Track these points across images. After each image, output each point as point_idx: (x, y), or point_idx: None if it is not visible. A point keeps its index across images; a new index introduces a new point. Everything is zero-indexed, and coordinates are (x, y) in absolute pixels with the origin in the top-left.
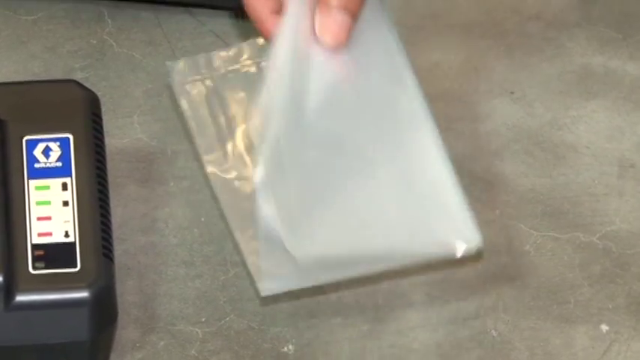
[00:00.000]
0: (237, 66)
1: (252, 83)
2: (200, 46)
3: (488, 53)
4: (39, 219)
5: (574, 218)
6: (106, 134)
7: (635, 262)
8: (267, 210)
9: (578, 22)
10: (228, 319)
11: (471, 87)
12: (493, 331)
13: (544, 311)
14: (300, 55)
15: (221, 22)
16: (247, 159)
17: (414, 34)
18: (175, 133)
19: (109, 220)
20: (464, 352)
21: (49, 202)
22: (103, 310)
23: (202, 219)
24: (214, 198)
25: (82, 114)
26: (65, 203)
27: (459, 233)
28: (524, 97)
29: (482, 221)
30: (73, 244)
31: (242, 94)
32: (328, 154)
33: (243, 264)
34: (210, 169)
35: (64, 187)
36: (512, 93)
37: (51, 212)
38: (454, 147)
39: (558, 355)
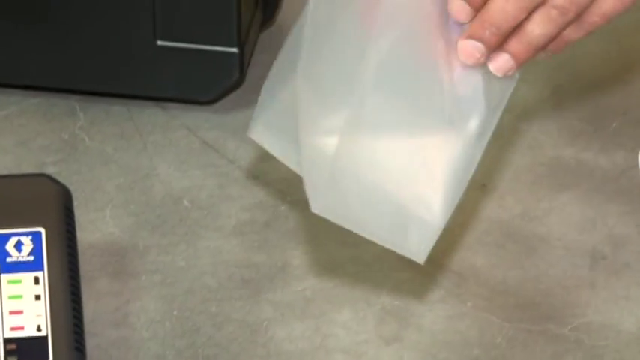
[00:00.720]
0: None
1: None
2: (172, 140)
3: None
4: (11, 313)
5: (546, 310)
6: (78, 228)
7: (608, 353)
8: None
9: (549, 115)
10: None
11: None
12: None
13: None
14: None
15: (192, 116)
16: None
17: None
18: (147, 227)
19: (81, 314)
20: None
21: (21, 296)
22: None
23: (174, 312)
24: (189, 291)
25: (54, 208)
26: (37, 297)
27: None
28: (495, 190)
29: (455, 314)
30: (45, 337)
31: None
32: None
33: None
34: None
35: (36, 280)
36: (483, 185)
37: (23, 306)
38: None
39: None
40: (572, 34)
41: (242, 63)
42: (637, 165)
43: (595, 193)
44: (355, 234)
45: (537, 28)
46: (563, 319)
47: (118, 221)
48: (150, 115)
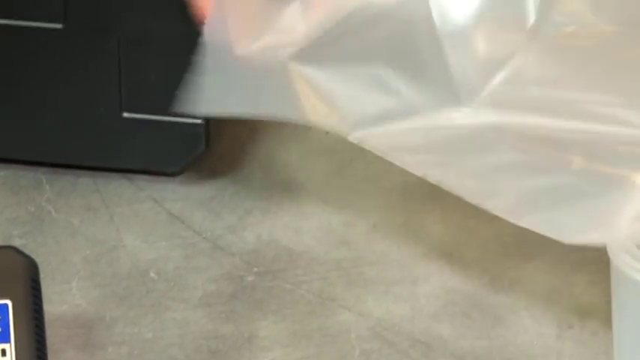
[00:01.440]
0: None
1: None
2: (138, 212)
3: (427, 216)
4: None
5: None
6: (44, 300)
7: None
8: None
9: None
10: None
11: (409, 250)
12: None
13: None
14: None
15: (159, 188)
16: None
17: (352, 197)
18: (114, 299)
19: None
20: None
21: None
22: None
23: None
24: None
25: (20, 280)
26: None
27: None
28: (462, 259)
29: None
30: None
31: None
32: None
33: None
34: None
35: (3, 353)
36: (450, 254)
37: None
38: (392, 310)
39: None
40: None
41: (208, 134)
42: None
43: (561, 262)
44: (322, 305)
45: None
46: None
47: (84, 293)
48: (116, 187)
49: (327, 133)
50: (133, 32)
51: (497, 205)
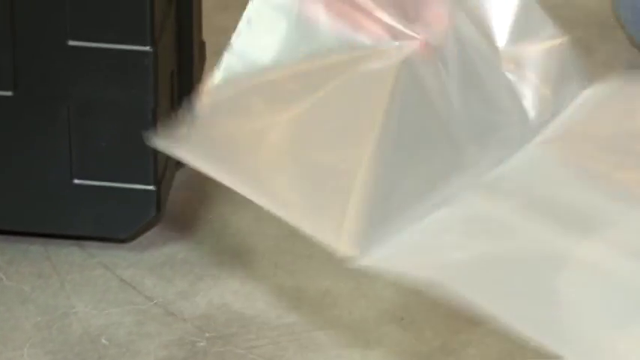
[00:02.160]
0: None
1: None
2: (89, 278)
3: (377, 280)
4: None
5: None
6: None
7: None
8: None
9: None
10: None
11: (360, 314)
12: None
13: None
14: None
15: (110, 254)
16: None
17: (303, 262)
18: None
19: None
20: None
21: None
22: None
23: None
24: None
25: None
26: None
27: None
28: (413, 323)
29: None
30: None
31: None
32: None
33: None
34: None
35: None
36: (401, 319)
37: None
38: None
39: None
40: None
41: (159, 200)
42: None
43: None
44: None
45: None
46: None
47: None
48: (67, 253)
49: None
50: (83, 100)
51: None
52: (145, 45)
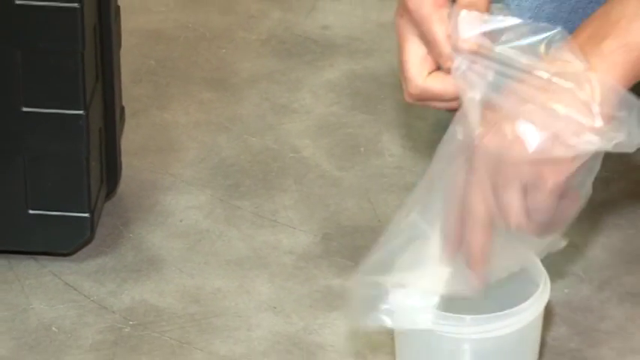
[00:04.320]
0: None
1: None
2: (42, 283)
3: (256, 279)
4: None
5: None
6: None
7: None
8: None
9: (321, 255)
10: None
11: (244, 305)
12: None
13: None
14: None
15: (57, 265)
16: None
17: (201, 267)
18: (26, 348)
19: None
20: None
21: None
22: None
23: None
24: None
25: None
26: None
27: None
28: (283, 311)
29: None
30: None
31: None
32: None
33: None
34: None
35: None
36: (274, 308)
37: None
38: (233, 350)
39: None
40: None
41: (92, 224)
42: None
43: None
44: (181, 347)
45: None
46: None
47: (3, 344)
48: (25, 265)
49: (181, 220)
50: (34, 152)
51: None
52: (79, 109)
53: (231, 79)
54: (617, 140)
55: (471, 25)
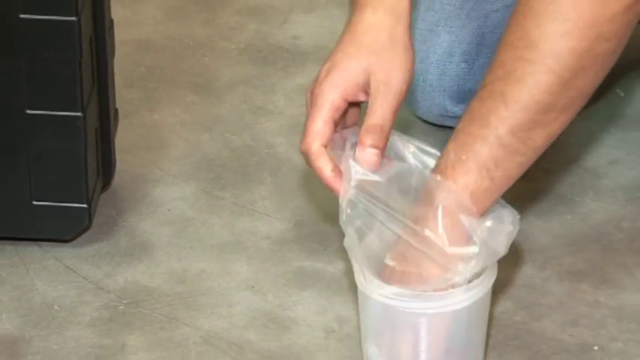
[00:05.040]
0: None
1: None
2: (45, 266)
3: (236, 262)
4: None
5: None
6: None
7: None
8: None
9: (294, 239)
10: None
11: (225, 285)
12: None
13: None
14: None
15: (59, 250)
16: None
17: (187, 252)
18: (30, 324)
19: None
20: None
21: None
22: None
23: None
24: None
25: None
26: None
27: None
28: (260, 290)
29: None
30: None
31: None
32: None
33: None
34: None
35: None
36: (252, 287)
37: None
38: (216, 324)
39: None
40: None
41: (90, 214)
42: (352, 268)
43: (326, 290)
44: (170, 323)
45: None
46: None
47: (11, 321)
48: (30, 250)
49: (170, 209)
50: (38, 150)
51: None
52: (77, 111)
53: (213, 83)
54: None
55: (359, 171)
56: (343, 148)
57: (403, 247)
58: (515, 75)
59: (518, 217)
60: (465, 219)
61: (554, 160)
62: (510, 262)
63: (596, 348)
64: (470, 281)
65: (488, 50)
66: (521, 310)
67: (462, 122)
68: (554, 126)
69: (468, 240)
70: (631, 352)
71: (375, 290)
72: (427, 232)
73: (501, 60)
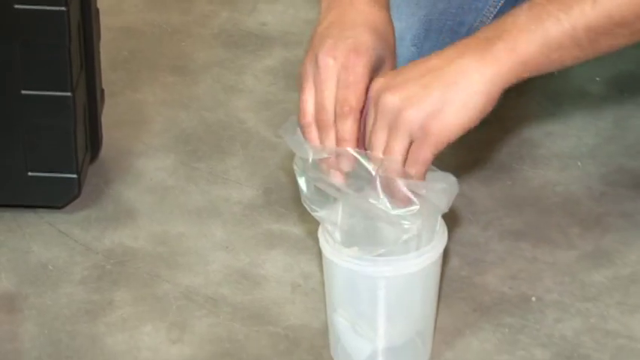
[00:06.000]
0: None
1: None
2: (40, 230)
3: (211, 225)
4: None
5: (267, 316)
6: None
7: (305, 342)
8: None
9: (264, 204)
10: None
11: (202, 245)
12: None
13: None
14: None
15: (52, 216)
16: None
17: (167, 216)
18: (27, 282)
19: None
20: None
21: None
22: None
23: (45, 331)
24: (56, 316)
25: None
26: None
27: None
28: (233, 250)
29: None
30: None
31: None
32: None
33: None
34: None
35: None
36: (226, 247)
37: None
38: (194, 280)
39: None
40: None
41: (80, 183)
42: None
43: (293, 248)
44: (152, 280)
45: None
46: (279, 322)
47: (9, 280)
48: (27, 216)
49: (152, 178)
50: (32, 126)
51: None
52: (67, 92)
53: (190, 65)
54: None
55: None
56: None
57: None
58: None
59: (454, 178)
60: (401, 182)
61: (495, 132)
62: (457, 223)
63: (533, 299)
64: (422, 241)
65: (435, 35)
66: (466, 265)
67: None
68: (620, 41)
69: (410, 201)
70: (565, 302)
71: (337, 255)
72: (371, 200)
73: None
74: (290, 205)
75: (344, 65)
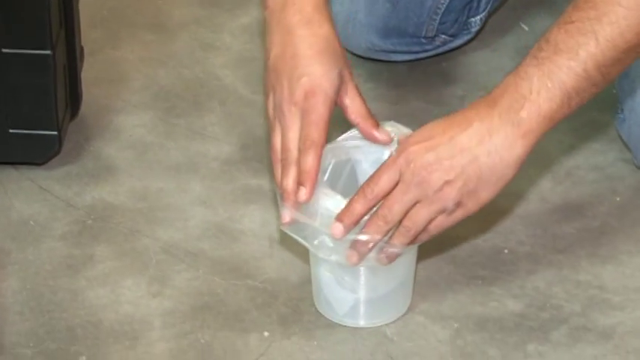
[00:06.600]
0: None
1: None
2: (22, 187)
3: (190, 181)
4: None
5: (246, 270)
6: None
7: (282, 295)
8: None
9: (241, 160)
10: None
11: (181, 201)
12: None
13: None
14: None
15: (33, 172)
16: None
17: (148, 173)
18: (9, 238)
19: None
20: None
21: None
22: None
23: (27, 286)
24: (37, 272)
25: None
26: None
27: None
28: (212, 205)
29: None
30: None
31: None
32: None
33: None
34: None
35: None
36: (204, 202)
37: None
38: (173, 235)
39: None
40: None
41: (60, 140)
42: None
43: (270, 203)
44: (132, 235)
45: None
46: (257, 276)
47: None
48: (7, 173)
49: (131, 135)
50: (13, 85)
51: None
52: (47, 50)
53: (167, 24)
54: None
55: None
56: None
57: None
58: (608, 17)
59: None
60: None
61: (467, 86)
62: None
63: (506, 251)
64: None
65: None
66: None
67: (543, 51)
68: (629, 62)
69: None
70: (537, 254)
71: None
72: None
73: (593, 1)
74: (267, 160)
75: (304, 109)
